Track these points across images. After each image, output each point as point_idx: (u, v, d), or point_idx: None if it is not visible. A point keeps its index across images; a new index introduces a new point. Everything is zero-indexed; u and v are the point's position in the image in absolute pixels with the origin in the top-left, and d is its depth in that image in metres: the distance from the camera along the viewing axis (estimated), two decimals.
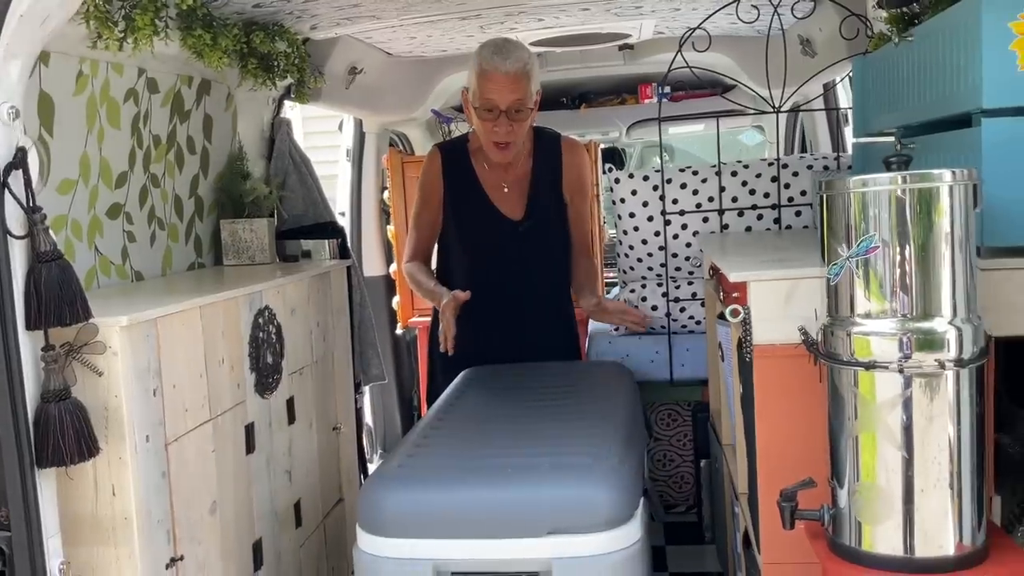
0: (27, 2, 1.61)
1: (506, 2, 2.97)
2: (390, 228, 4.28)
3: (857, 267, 1.59)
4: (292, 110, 3.98)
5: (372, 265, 4.41)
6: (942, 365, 1.55)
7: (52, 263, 1.66)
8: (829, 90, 3.95)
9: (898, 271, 1.57)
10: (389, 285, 4.42)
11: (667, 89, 4.58)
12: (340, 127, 4.42)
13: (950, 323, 1.56)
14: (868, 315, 1.60)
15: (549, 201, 3.02)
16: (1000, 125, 1.75)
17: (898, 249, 1.56)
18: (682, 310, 3.18)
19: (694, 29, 2.97)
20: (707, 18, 3.02)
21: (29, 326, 1.65)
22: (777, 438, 1.87)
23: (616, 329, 3.27)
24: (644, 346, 3.21)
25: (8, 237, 1.62)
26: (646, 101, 4.77)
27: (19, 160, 1.64)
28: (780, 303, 1.83)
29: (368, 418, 4.37)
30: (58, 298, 1.66)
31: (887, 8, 2.48)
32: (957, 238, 1.56)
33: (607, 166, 3.61)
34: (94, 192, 2.29)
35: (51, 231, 1.69)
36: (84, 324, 1.71)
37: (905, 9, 2.44)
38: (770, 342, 1.84)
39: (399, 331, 4.36)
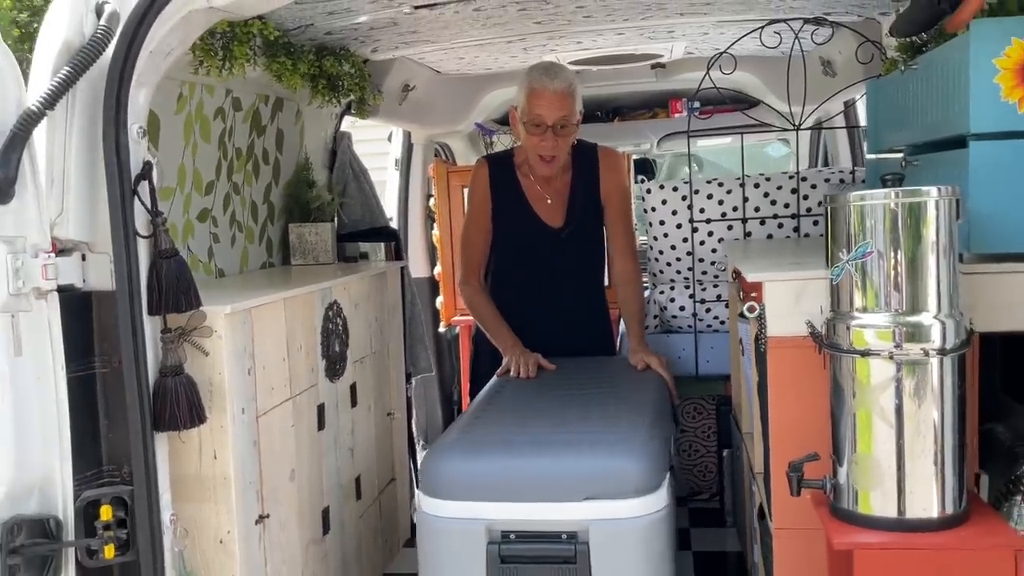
0: (156, 40, 1.92)
1: (547, 27, 3.26)
2: (435, 233, 4.58)
3: (855, 269, 1.86)
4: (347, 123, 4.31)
5: (417, 267, 4.70)
6: (927, 353, 1.81)
7: (171, 259, 1.97)
8: (850, 107, 4.20)
9: (890, 272, 1.83)
10: (433, 286, 4.72)
11: (697, 105, 4.85)
12: (390, 138, 4.73)
13: (935, 317, 1.82)
14: (864, 310, 1.86)
15: (588, 208, 3.28)
16: (985, 147, 2.01)
17: (891, 254, 1.83)
18: (707, 311, 3.44)
19: (721, 53, 3.24)
20: (733, 43, 3.29)
21: (151, 312, 1.95)
22: (788, 419, 2.14)
23: (646, 327, 3.53)
24: (672, 344, 3.48)
25: (137, 237, 1.92)
26: (676, 115, 5.03)
27: (146, 172, 1.95)
28: (791, 300, 2.10)
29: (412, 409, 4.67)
30: (175, 289, 1.96)
31: (897, 36, 2.74)
32: (942, 245, 1.82)
33: (639, 177, 3.87)
34: (188, 199, 2.60)
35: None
36: (195, 311, 2.01)
37: (915, 38, 2.69)
38: (782, 335, 2.11)
39: (442, 329, 4.65)
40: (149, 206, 1.95)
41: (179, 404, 1.96)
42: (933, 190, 1.83)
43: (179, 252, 1.99)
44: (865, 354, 1.85)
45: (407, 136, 4.58)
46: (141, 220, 1.93)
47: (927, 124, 2.36)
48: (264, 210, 3.11)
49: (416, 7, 2.70)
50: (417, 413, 4.75)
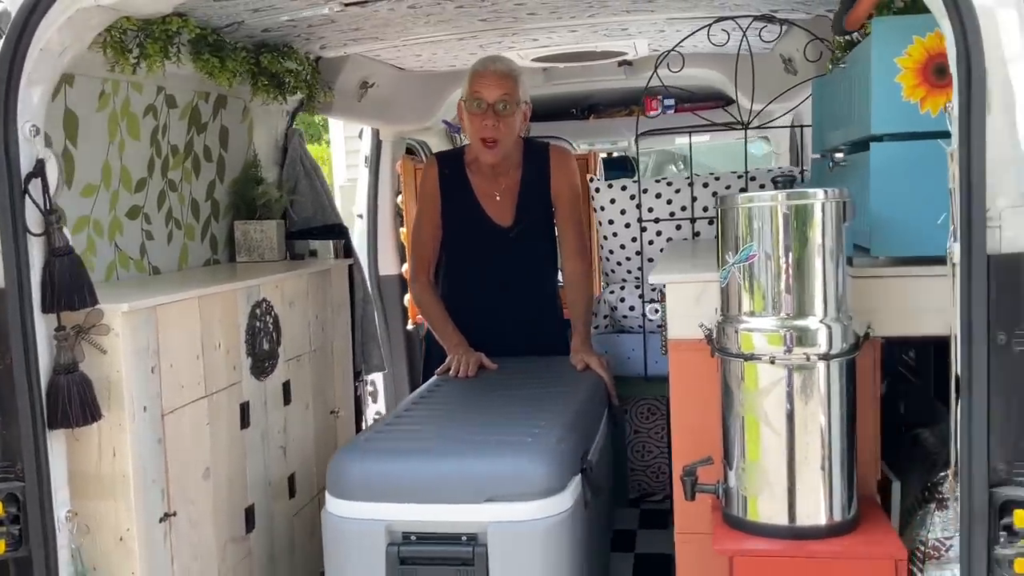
0: (46, 37, 1.92)
1: (495, 25, 3.24)
2: (403, 230, 4.58)
3: (741, 272, 1.83)
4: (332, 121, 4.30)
5: (387, 264, 4.70)
6: (809, 358, 1.78)
7: (64, 256, 1.96)
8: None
9: (776, 276, 1.81)
10: (402, 283, 4.71)
11: (671, 101, 4.80)
12: (360, 135, 4.73)
13: (821, 322, 1.79)
14: (752, 314, 1.84)
15: (538, 207, 3.26)
16: (887, 148, 1.97)
17: (777, 257, 1.80)
18: (656, 311, 3.40)
19: (668, 52, 3.22)
20: (680, 42, 3.26)
21: (44, 310, 1.94)
22: (688, 422, 2.11)
23: (595, 327, 3.51)
24: (622, 343, 3.44)
25: (28, 235, 1.92)
26: (651, 113, 4.98)
27: (38, 169, 1.94)
28: (691, 303, 2.07)
29: (382, 406, 4.67)
30: (69, 287, 1.96)
31: (835, 34, 2.70)
32: (828, 248, 1.80)
33: (590, 176, 3.85)
34: (114, 196, 2.61)
35: (67, 229, 2.00)
36: (91, 309, 2.02)
37: (856, 35, 2.65)
38: (682, 337, 2.08)
39: (410, 327, 4.65)
40: (41, 204, 1.95)
41: (71, 402, 1.96)
42: (819, 192, 1.80)
43: (74, 250, 1.98)
44: (750, 358, 1.83)
45: (375, 133, 4.58)
46: (34, 218, 1.94)
47: (851, 124, 2.32)
48: (207, 207, 3.11)
49: (346, 4, 2.68)
50: (387, 410, 4.76)
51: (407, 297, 4.63)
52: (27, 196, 1.92)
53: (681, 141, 5.49)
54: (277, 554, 2.79)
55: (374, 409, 4.59)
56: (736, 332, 1.84)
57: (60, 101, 2.35)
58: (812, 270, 1.79)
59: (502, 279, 3.28)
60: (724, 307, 1.89)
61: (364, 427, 3.63)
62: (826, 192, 1.79)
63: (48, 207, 1.96)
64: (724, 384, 1.90)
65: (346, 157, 8.69)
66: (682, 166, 6.21)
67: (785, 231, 1.79)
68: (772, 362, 1.79)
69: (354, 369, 3.50)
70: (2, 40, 1.87)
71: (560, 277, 3.39)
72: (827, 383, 1.80)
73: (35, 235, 1.94)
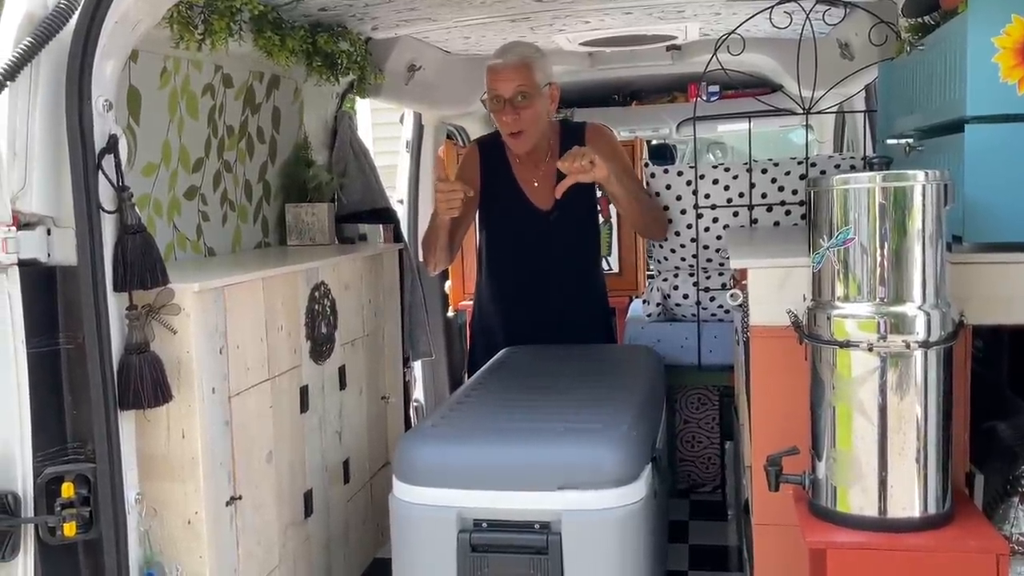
0: (121, 9, 1.88)
1: (551, 6, 3.19)
2: None
3: (836, 257, 1.78)
4: (359, 103, 4.27)
5: None
6: (908, 346, 1.72)
7: (137, 235, 1.94)
8: (870, 91, 4.06)
9: (873, 260, 1.75)
10: (442, 270, 4.66)
11: (715, 88, 4.74)
12: (401, 120, 4.68)
13: (919, 308, 1.73)
14: (846, 299, 1.78)
15: (577, 191, 3.21)
16: (982, 131, 1.91)
17: (874, 241, 1.74)
18: (712, 299, 3.35)
19: (729, 33, 3.14)
20: (741, 23, 3.19)
21: (116, 288, 1.92)
22: (770, 411, 2.06)
23: (648, 315, 3.45)
24: (675, 332, 3.39)
25: (101, 211, 1.89)
26: (695, 99, 4.91)
27: (111, 145, 1.91)
28: (775, 288, 2.01)
29: (420, 394, 4.64)
30: (141, 265, 1.93)
31: (907, 16, 2.63)
32: (928, 232, 1.73)
33: (644, 162, 3.79)
34: (174, 175, 2.58)
35: (136, 208, 1.97)
36: (162, 288, 1.98)
37: (928, 18, 2.58)
38: (765, 324, 2.03)
39: (450, 314, 4.61)
40: (114, 180, 1.91)
41: (143, 382, 1.94)
42: (920, 174, 1.74)
43: (146, 228, 1.95)
44: (845, 345, 1.77)
45: (417, 118, 4.53)
46: (106, 195, 1.90)
47: (931, 107, 2.25)
48: (259, 189, 3.07)
49: None
50: (425, 397, 4.73)
51: (447, 284, 4.59)
52: (100, 172, 1.89)
53: (723, 129, 5.42)
54: (333, 539, 2.76)
55: (412, 397, 4.55)
56: (829, 319, 1.79)
57: (124, 77, 2.31)
58: (911, 255, 1.73)
59: (545, 264, 3.25)
60: (816, 292, 1.83)
61: (412, 414, 3.60)
62: (927, 174, 1.73)
63: (121, 184, 1.93)
64: (814, 372, 1.84)
65: (375, 144, 8.65)
66: (720, 154, 6.13)
67: (885, 214, 1.73)
68: (870, 349, 1.73)
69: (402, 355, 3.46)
70: (77, 11, 1.83)
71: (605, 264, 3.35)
72: (924, 371, 1.74)
73: (108, 212, 1.91)
